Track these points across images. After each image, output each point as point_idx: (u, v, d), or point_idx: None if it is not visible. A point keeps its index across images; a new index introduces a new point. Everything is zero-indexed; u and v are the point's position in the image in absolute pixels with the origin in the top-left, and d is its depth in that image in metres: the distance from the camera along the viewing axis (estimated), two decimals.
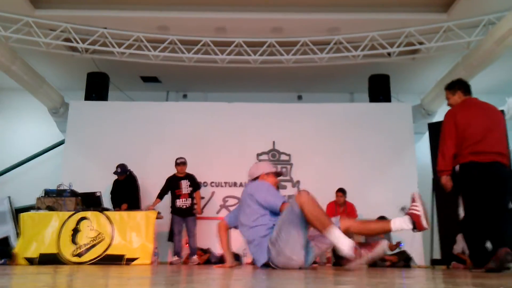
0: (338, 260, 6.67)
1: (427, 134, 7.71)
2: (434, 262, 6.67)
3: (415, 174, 7.69)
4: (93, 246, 5.77)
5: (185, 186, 6.79)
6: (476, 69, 6.96)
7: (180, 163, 6.86)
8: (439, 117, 8.27)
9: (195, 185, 6.89)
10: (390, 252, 6.84)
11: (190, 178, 6.90)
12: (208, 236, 7.19)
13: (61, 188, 6.60)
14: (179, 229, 6.70)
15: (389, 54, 7.71)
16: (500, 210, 3.59)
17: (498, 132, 3.72)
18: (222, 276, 2.83)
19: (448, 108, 4.01)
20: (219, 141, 7.92)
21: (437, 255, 6.80)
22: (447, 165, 3.70)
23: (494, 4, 6.51)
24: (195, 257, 6.55)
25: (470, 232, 3.73)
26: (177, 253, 6.63)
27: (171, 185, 6.85)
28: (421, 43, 7.35)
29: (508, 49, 6.40)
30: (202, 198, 7.34)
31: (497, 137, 3.69)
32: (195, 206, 6.84)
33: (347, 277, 2.72)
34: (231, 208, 7.64)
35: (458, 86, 3.99)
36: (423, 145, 8.28)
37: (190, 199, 6.76)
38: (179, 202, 6.73)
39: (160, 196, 6.85)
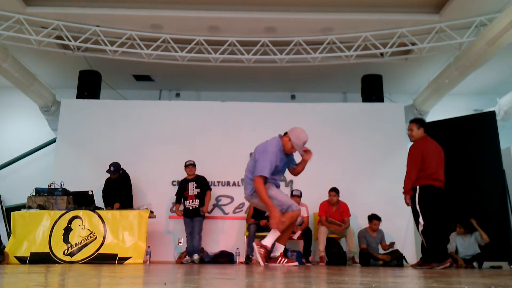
0: (330, 259, 6.70)
1: None
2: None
3: None
4: (85, 245, 5.73)
5: (191, 188, 6.82)
6: (468, 70, 7.01)
7: (189, 165, 6.91)
8: (431, 117, 8.32)
9: (203, 186, 6.88)
10: (383, 251, 6.88)
11: (198, 179, 6.91)
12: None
13: (53, 186, 6.55)
14: (190, 230, 6.72)
15: (381, 54, 7.74)
16: (444, 220, 5.10)
17: (442, 166, 4.94)
18: (215, 275, 2.83)
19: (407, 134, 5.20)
20: (212, 140, 7.90)
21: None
22: (410, 188, 4.86)
23: (485, 5, 6.56)
24: (195, 256, 6.53)
25: (431, 236, 4.75)
26: (189, 253, 6.64)
27: (181, 188, 6.92)
28: (413, 44, 7.40)
29: (500, 50, 6.46)
30: None
31: (443, 170, 4.93)
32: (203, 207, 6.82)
33: (340, 277, 2.73)
34: (224, 208, 7.63)
35: (422, 124, 5.09)
36: None
37: (197, 200, 6.76)
38: (187, 204, 6.80)
39: (177, 200, 6.95)
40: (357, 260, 6.69)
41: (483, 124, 7.33)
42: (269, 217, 4.23)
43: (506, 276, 3.24)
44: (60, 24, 7.17)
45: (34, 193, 6.41)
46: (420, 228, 4.78)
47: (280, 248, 4.49)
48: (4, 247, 5.98)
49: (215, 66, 7.97)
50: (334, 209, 6.95)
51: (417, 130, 5.06)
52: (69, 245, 5.74)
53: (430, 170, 4.82)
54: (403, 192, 4.92)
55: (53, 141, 8.63)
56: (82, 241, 5.76)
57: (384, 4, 6.94)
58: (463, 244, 6.52)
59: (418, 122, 5.13)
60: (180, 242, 6.95)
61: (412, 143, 5.16)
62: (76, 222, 5.89)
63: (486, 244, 6.45)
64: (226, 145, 7.86)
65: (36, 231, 5.87)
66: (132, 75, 9.14)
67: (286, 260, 4.53)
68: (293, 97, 9.66)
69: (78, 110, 8.18)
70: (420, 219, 4.77)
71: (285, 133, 4.41)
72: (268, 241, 4.32)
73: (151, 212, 6.24)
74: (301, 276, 2.78)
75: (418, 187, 4.82)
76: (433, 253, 4.78)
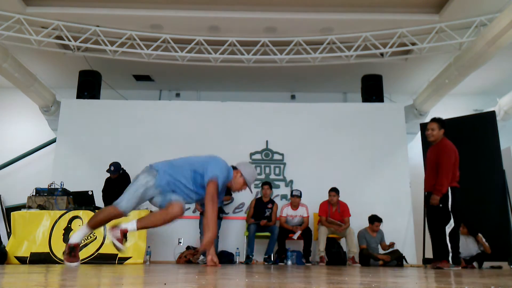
0: (330, 260, 6.70)
1: (419, 134, 7.76)
2: (426, 261, 6.71)
3: (407, 174, 7.74)
4: (85, 245, 5.73)
5: None
6: (468, 70, 7.01)
7: None
8: (431, 117, 8.30)
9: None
10: (383, 252, 6.88)
11: None
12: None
13: (53, 187, 6.55)
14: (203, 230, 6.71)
15: (382, 54, 7.74)
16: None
17: None
18: (214, 275, 2.82)
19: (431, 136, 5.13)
20: (212, 140, 7.90)
21: (429, 254, 6.83)
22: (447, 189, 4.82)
23: (485, 5, 6.56)
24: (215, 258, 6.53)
25: (455, 236, 4.87)
26: (203, 253, 6.65)
27: None
28: (413, 44, 7.40)
29: (500, 50, 6.45)
30: None
31: None
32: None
33: (340, 277, 2.73)
34: (224, 208, 7.62)
35: (443, 125, 5.04)
36: (416, 145, 8.33)
37: None
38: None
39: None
40: (357, 260, 6.69)
41: (483, 124, 7.33)
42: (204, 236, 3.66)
43: (506, 276, 3.24)
44: (60, 24, 7.17)
45: (34, 193, 6.41)
46: (449, 229, 4.75)
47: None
48: (4, 247, 5.97)
49: (215, 66, 7.97)
50: (334, 209, 6.95)
51: (439, 130, 5.01)
52: None
53: (457, 172, 4.91)
54: (437, 192, 4.80)
55: (53, 141, 8.64)
56: (82, 241, 5.75)
57: (384, 4, 6.94)
58: (464, 244, 6.52)
59: (440, 122, 5.05)
60: (180, 242, 6.95)
61: (431, 142, 5.12)
62: (76, 222, 5.89)
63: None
64: (226, 145, 7.85)
65: (36, 231, 5.86)
66: (132, 75, 9.15)
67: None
68: (293, 97, 9.66)
69: (78, 110, 8.19)
70: (451, 221, 4.81)
71: (234, 167, 3.84)
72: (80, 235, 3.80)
73: (151, 212, 6.23)
74: (301, 276, 2.78)
75: (450, 188, 4.82)
76: (455, 253, 4.81)
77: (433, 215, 4.97)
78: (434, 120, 5.09)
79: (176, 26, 7.37)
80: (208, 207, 3.51)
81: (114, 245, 3.58)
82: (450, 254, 4.78)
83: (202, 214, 6.76)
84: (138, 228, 3.59)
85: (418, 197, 7.34)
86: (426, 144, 7.33)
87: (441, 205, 4.82)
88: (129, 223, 3.59)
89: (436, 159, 4.92)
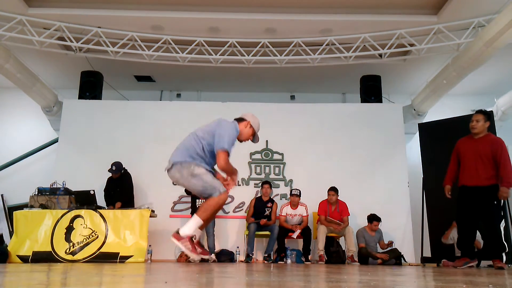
0: (329, 258, 6.76)
1: (417, 135, 7.81)
2: (424, 260, 6.77)
3: (406, 174, 7.79)
4: (87, 244, 5.79)
5: None
6: (466, 71, 7.05)
7: None
8: (429, 117, 8.37)
9: None
10: (381, 250, 6.94)
11: None
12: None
13: (55, 186, 6.60)
14: (208, 229, 6.77)
15: (380, 55, 7.79)
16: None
17: None
18: (215, 273, 2.88)
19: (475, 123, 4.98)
20: None
21: (427, 253, 6.90)
22: None
23: (483, 6, 6.60)
24: (212, 255, 6.59)
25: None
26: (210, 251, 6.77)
27: None
28: (412, 45, 7.44)
29: (497, 51, 6.49)
30: None
31: None
32: None
33: (339, 275, 2.78)
34: (225, 207, 7.66)
35: (489, 118, 4.91)
36: (414, 145, 8.38)
37: None
38: (198, 202, 6.92)
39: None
40: (355, 259, 6.75)
41: None
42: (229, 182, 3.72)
43: (506, 276, 3.29)
44: (62, 25, 7.22)
45: (36, 193, 6.46)
46: (503, 225, 4.76)
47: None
48: (6, 246, 6.03)
49: (216, 67, 8.02)
50: (333, 208, 7.01)
51: (484, 122, 4.86)
52: (71, 244, 5.79)
53: None
54: (508, 185, 4.62)
55: (55, 141, 8.68)
56: (84, 240, 5.81)
57: (382, 6, 6.98)
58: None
59: (486, 114, 4.89)
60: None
61: (477, 134, 4.95)
62: (78, 221, 5.94)
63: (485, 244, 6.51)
64: None
65: (38, 230, 5.91)
66: (134, 75, 9.19)
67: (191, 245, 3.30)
68: (292, 97, 9.70)
69: (80, 111, 8.24)
70: (498, 217, 4.79)
71: (240, 119, 3.98)
72: (187, 230, 3.31)
73: (152, 211, 6.29)
74: (300, 275, 2.83)
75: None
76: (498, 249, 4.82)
77: (488, 212, 4.75)
78: (480, 111, 4.93)
79: (176, 27, 7.41)
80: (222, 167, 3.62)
81: (192, 258, 3.35)
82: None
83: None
84: (203, 221, 3.35)
85: (417, 196, 7.40)
86: (425, 144, 7.40)
87: (495, 202, 4.68)
88: (185, 228, 3.32)
89: (492, 153, 4.75)
